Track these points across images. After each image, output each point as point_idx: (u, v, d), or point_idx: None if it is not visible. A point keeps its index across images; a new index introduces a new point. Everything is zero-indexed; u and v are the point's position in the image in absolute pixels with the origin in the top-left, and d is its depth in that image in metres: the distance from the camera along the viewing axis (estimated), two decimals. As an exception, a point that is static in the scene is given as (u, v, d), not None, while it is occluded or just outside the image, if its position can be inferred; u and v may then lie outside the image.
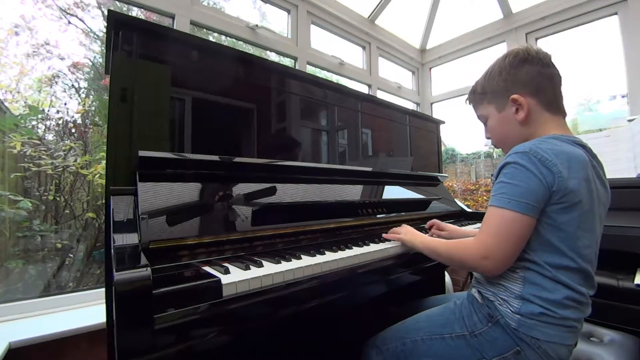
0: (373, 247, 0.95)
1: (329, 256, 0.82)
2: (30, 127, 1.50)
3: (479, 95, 0.87)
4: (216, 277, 0.61)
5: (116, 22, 0.80)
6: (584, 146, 0.74)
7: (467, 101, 0.94)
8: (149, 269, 0.51)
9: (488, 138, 0.91)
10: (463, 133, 3.17)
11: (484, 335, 0.73)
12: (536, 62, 0.77)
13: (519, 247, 0.68)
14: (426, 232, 1.20)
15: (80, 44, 1.68)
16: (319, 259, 0.79)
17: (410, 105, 3.01)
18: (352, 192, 1.28)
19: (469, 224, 1.53)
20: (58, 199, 1.55)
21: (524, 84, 0.77)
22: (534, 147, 0.69)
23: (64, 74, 1.61)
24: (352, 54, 2.54)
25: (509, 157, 0.71)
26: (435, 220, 1.24)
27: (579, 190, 0.66)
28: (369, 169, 1.40)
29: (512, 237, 0.67)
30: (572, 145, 0.72)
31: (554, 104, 0.78)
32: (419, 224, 1.33)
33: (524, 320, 0.68)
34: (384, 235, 1.05)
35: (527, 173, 0.67)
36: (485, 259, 0.69)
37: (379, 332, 0.93)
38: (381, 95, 2.66)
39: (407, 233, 0.99)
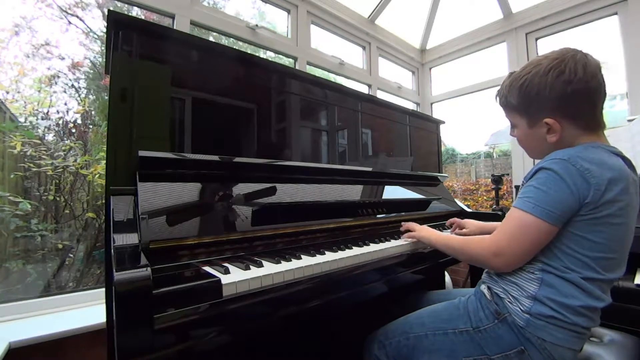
0: (373, 247, 0.95)
1: (329, 256, 0.82)
2: (30, 127, 1.50)
3: (511, 105, 0.80)
4: (216, 277, 0.61)
5: (116, 22, 0.80)
6: (623, 158, 0.71)
7: (497, 99, 0.86)
8: (149, 269, 0.51)
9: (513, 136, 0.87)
10: (463, 133, 3.17)
11: (488, 332, 0.73)
12: (582, 82, 0.68)
13: (532, 250, 0.69)
14: (442, 229, 1.26)
15: (80, 43, 1.68)
16: (319, 259, 0.79)
17: (410, 105, 3.01)
18: (352, 192, 1.28)
19: (469, 224, 1.53)
20: (58, 199, 1.55)
21: (562, 108, 0.71)
22: (575, 155, 0.66)
23: (64, 74, 1.61)
24: (352, 54, 2.55)
25: (546, 162, 0.69)
26: (456, 219, 1.30)
27: (613, 203, 0.65)
28: (369, 169, 1.40)
29: (527, 240, 0.68)
30: (614, 156, 0.70)
31: (593, 123, 0.72)
32: (420, 224, 1.33)
33: (533, 321, 0.67)
34: (401, 229, 1.09)
35: (561, 182, 0.65)
36: (496, 256, 0.71)
37: (380, 328, 0.92)
38: (381, 95, 2.66)
39: (423, 230, 1.01)
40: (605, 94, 0.72)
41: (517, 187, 2.18)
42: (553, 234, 0.67)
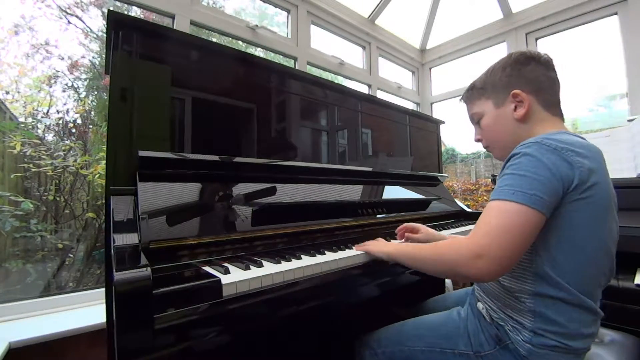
0: (373, 247, 0.95)
1: (329, 256, 0.82)
2: (30, 127, 1.50)
3: (478, 91, 0.84)
4: (216, 277, 0.61)
5: (116, 22, 0.80)
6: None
7: (462, 99, 0.92)
8: (149, 269, 0.51)
9: (478, 140, 0.88)
10: (463, 133, 3.17)
11: (490, 358, 0.70)
12: (542, 62, 0.76)
13: (520, 245, 0.57)
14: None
15: (79, 43, 1.68)
16: (319, 259, 0.79)
17: (410, 105, 3.01)
18: (352, 192, 1.28)
19: (469, 224, 1.53)
20: (58, 199, 1.55)
21: (528, 81, 0.75)
22: (546, 137, 0.63)
23: (64, 73, 1.61)
24: (352, 54, 2.54)
25: (517, 148, 0.64)
26: (404, 225, 1.07)
27: (599, 183, 0.60)
28: (369, 169, 1.40)
29: (512, 231, 0.56)
30: (580, 139, 0.67)
31: (554, 105, 0.76)
32: (420, 224, 1.33)
33: (536, 350, 0.64)
34: (355, 247, 0.91)
35: (538, 163, 0.59)
36: (478, 258, 0.57)
37: (373, 331, 0.90)
38: (381, 95, 2.66)
39: (371, 243, 0.89)
40: (559, 86, 0.78)
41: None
42: (540, 224, 0.58)
